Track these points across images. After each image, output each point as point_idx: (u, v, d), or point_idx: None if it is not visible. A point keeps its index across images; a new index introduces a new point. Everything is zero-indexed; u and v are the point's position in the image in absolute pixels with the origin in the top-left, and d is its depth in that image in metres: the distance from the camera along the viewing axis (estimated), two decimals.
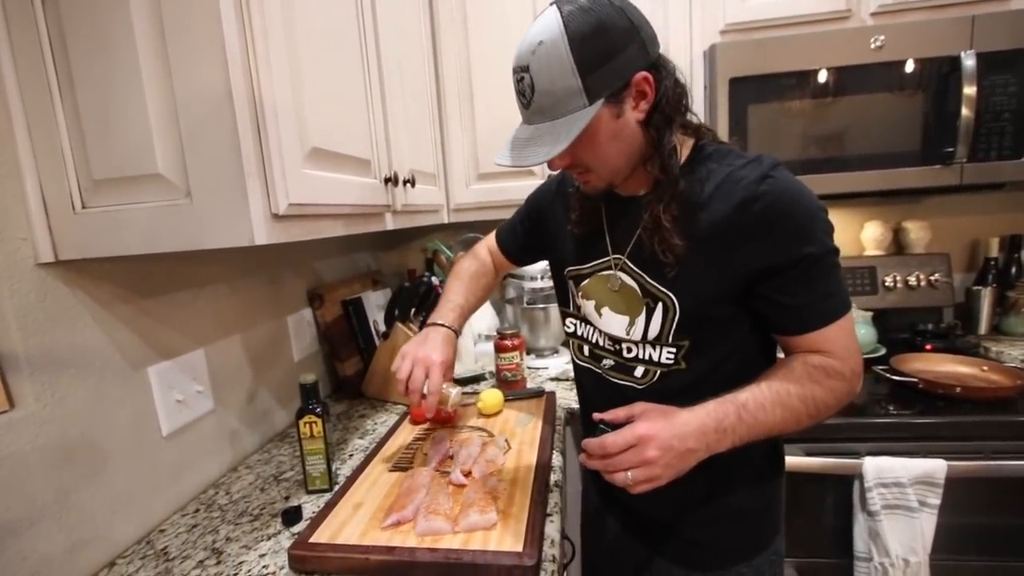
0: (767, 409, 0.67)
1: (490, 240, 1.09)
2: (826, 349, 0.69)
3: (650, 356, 0.78)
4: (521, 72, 0.68)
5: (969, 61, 1.24)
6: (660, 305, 0.75)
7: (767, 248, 0.67)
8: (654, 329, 0.76)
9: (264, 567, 0.74)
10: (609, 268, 0.80)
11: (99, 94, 0.64)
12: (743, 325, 0.73)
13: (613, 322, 0.80)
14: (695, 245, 0.69)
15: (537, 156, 0.70)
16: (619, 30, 0.65)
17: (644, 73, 0.66)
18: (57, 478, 0.71)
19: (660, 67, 0.69)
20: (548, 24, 0.64)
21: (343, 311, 1.46)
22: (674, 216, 0.71)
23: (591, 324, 0.85)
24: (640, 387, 0.79)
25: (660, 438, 0.63)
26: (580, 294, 0.85)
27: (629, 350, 0.79)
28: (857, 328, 1.46)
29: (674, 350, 0.75)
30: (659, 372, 0.77)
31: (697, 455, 0.65)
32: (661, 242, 0.72)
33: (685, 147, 0.74)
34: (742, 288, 0.70)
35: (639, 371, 0.79)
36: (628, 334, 0.78)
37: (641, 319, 0.77)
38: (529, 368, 1.53)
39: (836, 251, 0.68)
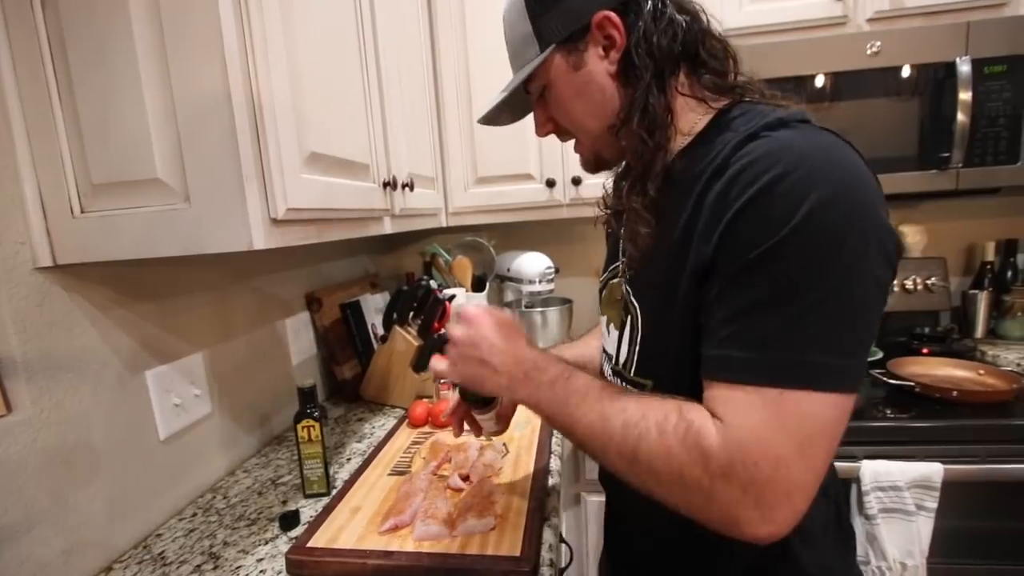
0: (586, 402, 0.52)
1: None
2: (720, 413, 0.45)
3: (612, 368, 0.66)
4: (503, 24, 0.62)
5: (964, 67, 1.25)
6: (629, 320, 0.60)
7: (715, 237, 0.47)
8: (623, 353, 0.62)
9: (261, 572, 0.74)
10: (617, 275, 0.67)
11: (98, 98, 0.64)
12: None
13: (611, 342, 0.67)
14: (668, 242, 0.53)
15: (487, 114, 0.67)
16: None
17: (607, 13, 0.54)
18: (54, 482, 0.71)
19: (641, 5, 0.54)
20: None
21: (341, 315, 1.46)
22: (651, 198, 0.56)
23: (605, 344, 0.71)
24: None
25: (474, 332, 0.59)
26: (600, 309, 0.73)
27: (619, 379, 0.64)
28: None
29: (638, 390, 0.58)
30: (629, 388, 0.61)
31: (494, 375, 0.58)
32: (628, 231, 0.59)
33: (700, 113, 0.56)
34: (701, 300, 0.49)
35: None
36: (613, 358, 0.66)
37: (621, 338, 0.63)
38: None
39: (841, 280, 0.42)
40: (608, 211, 0.71)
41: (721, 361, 0.46)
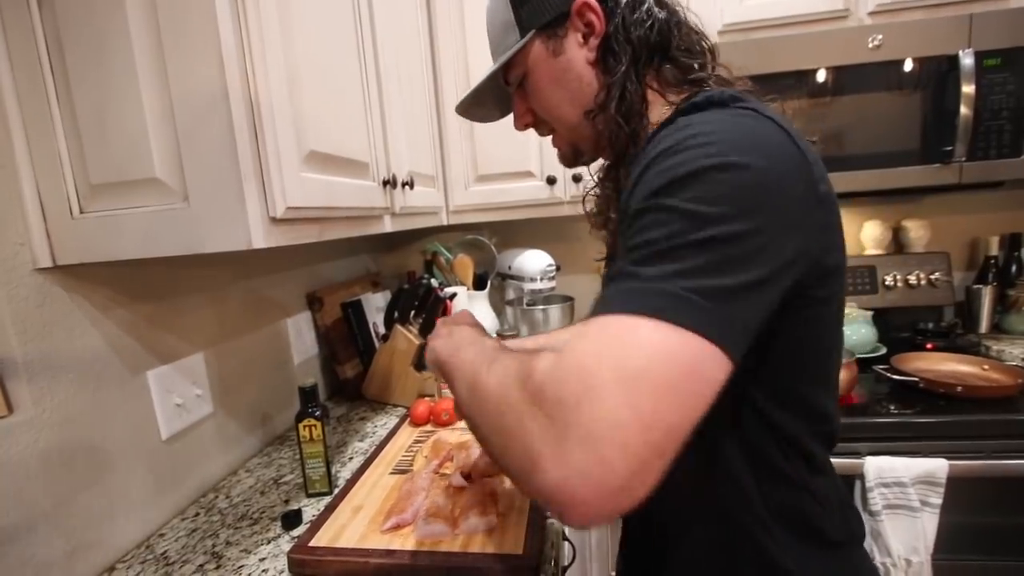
0: (477, 347, 0.51)
1: None
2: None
3: None
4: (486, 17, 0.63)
5: (967, 60, 1.24)
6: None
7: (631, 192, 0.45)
8: None
9: (264, 571, 0.74)
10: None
11: (96, 98, 0.64)
12: None
13: None
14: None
15: (463, 101, 0.68)
16: None
17: (586, 0, 0.54)
18: (56, 483, 0.71)
19: None
20: None
21: (342, 314, 1.46)
22: (622, 184, 0.55)
23: None
24: None
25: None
26: None
27: None
28: (857, 327, 1.46)
29: None
30: None
31: (460, 330, 0.58)
32: (602, 218, 0.59)
33: (667, 105, 0.56)
34: None
35: None
36: None
37: None
38: None
39: (685, 216, 0.38)
40: (594, 211, 0.69)
41: (603, 297, 0.41)
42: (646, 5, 0.55)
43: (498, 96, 0.67)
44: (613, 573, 1.00)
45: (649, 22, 0.54)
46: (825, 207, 0.45)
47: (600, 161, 0.66)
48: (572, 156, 0.66)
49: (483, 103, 0.69)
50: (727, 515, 0.52)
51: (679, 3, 0.59)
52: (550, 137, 0.69)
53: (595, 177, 0.68)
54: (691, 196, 0.39)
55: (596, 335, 0.37)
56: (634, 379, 0.34)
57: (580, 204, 0.72)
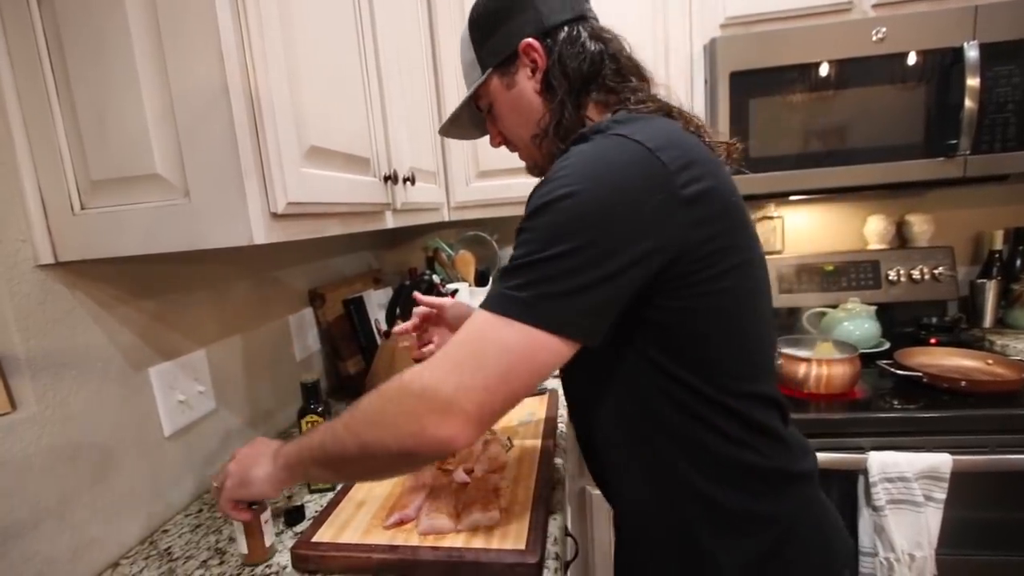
0: (320, 428, 0.61)
1: None
2: None
3: None
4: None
5: (972, 52, 1.23)
6: None
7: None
8: None
9: (267, 566, 0.74)
10: None
11: (96, 94, 0.63)
12: None
13: None
14: None
15: (442, 127, 0.82)
16: (508, 2, 0.67)
17: (530, 40, 0.65)
18: (60, 479, 0.71)
19: (558, 34, 0.64)
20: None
21: (344, 310, 1.46)
22: None
23: None
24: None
25: (238, 454, 0.70)
26: None
27: None
28: (861, 322, 1.45)
29: None
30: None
31: (259, 459, 0.67)
32: None
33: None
34: None
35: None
36: None
37: None
38: None
39: (536, 250, 0.50)
40: None
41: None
42: (581, 40, 0.64)
43: (474, 118, 0.78)
44: None
45: (583, 56, 0.64)
46: (700, 205, 0.53)
47: None
48: (535, 170, 0.76)
49: (461, 124, 0.81)
50: (673, 467, 0.60)
51: (617, 38, 0.68)
52: None
53: None
54: (541, 223, 0.52)
55: (462, 332, 0.52)
56: (484, 360, 0.51)
57: None
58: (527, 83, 0.67)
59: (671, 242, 0.52)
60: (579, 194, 0.51)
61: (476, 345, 0.51)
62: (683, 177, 0.52)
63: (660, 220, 0.51)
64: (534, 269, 0.50)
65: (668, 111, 0.64)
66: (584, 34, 0.65)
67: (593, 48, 0.64)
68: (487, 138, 0.79)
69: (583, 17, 0.67)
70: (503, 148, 0.78)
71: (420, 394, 0.51)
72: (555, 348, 0.51)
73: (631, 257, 0.50)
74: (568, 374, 0.69)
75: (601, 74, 0.65)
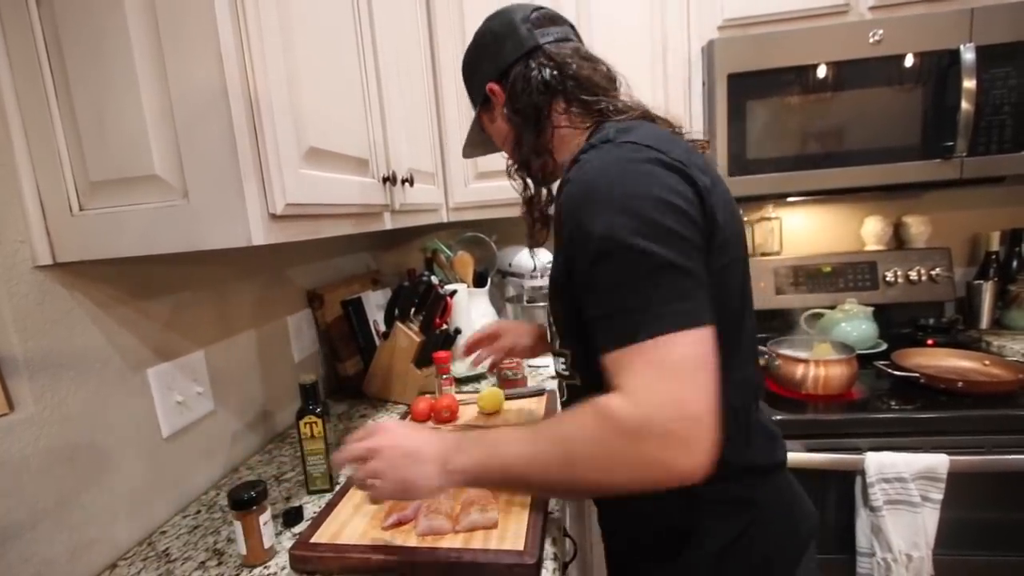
0: (513, 436, 0.59)
1: None
2: (617, 384, 0.52)
3: (555, 368, 0.75)
4: None
5: (968, 54, 1.24)
6: (551, 307, 0.73)
7: (565, 239, 0.59)
8: (553, 330, 0.73)
9: (265, 567, 0.74)
10: None
11: (95, 95, 0.63)
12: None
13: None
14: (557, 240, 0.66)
15: (463, 151, 0.97)
16: (480, 50, 0.79)
17: (491, 84, 0.77)
18: (58, 480, 0.71)
19: (511, 72, 0.74)
20: None
21: (343, 311, 1.46)
22: (548, 215, 0.81)
23: None
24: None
25: (390, 435, 0.64)
26: None
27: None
28: (858, 323, 1.46)
29: (563, 359, 0.71)
30: (566, 388, 0.73)
31: (423, 465, 0.61)
32: (541, 236, 0.83)
33: (579, 137, 0.71)
34: (569, 290, 0.60)
35: (562, 388, 0.75)
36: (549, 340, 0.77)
37: (550, 320, 0.74)
38: (529, 367, 1.52)
39: (639, 248, 0.52)
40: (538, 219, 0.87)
41: (602, 340, 0.54)
42: (531, 72, 0.72)
43: (488, 139, 0.89)
44: None
45: (533, 85, 0.72)
46: (712, 194, 0.57)
47: None
48: (539, 182, 0.84)
49: (482, 144, 0.93)
50: None
51: (574, 53, 0.73)
52: None
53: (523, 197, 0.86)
54: (612, 250, 0.54)
55: (651, 363, 0.51)
56: (693, 376, 0.50)
57: None
58: (502, 117, 0.78)
59: (703, 223, 0.56)
60: (625, 208, 0.53)
61: (664, 370, 0.50)
62: (693, 172, 0.57)
63: (688, 201, 0.55)
64: (648, 282, 0.52)
65: (650, 116, 0.70)
66: (534, 65, 0.72)
67: (546, 75, 0.72)
68: None
69: (536, 48, 0.73)
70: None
71: (646, 437, 0.49)
72: (707, 335, 0.52)
73: (697, 239, 0.55)
74: (580, 372, 0.69)
75: (563, 93, 0.72)
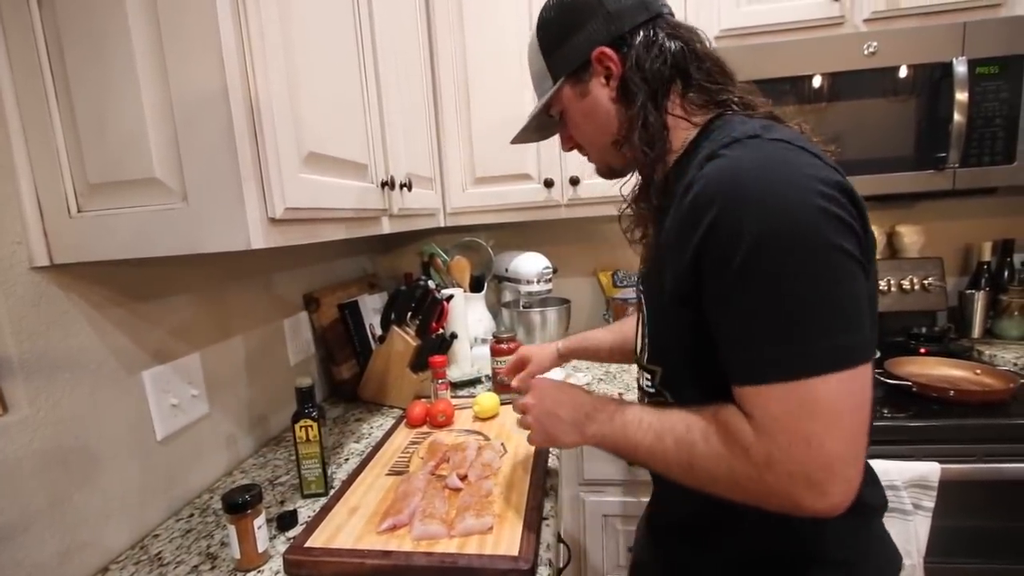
0: (641, 427, 0.60)
1: None
2: (748, 412, 0.50)
3: (640, 383, 0.71)
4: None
5: (961, 67, 1.26)
6: (642, 314, 0.68)
7: (695, 243, 0.51)
8: (639, 343, 0.70)
9: (259, 571, 0.74)
10: None
11: (95, 97, 0.64)
12: (711, 359, 0.54)
13: (638, 333, 0.72)
14: (662, 246, 0.60)
15: (517, 136, 0.82)
16: (578, 9, 0.64)
17: (603, 48, 0.63)
18: (51, 483, 0.70)
19: (633, 38, 0.62)
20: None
21: (339, 315, 1.46)
22: (652, 205, 0.64)
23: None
24: None
25: (540, 394, 0.73)
26: None
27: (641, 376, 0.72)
28: None
29: (650, 376, 0.67)
30: (647, 403, 0.68)
31: (563, 424, 0.68)
32: (638, 233, 0.70)
33: (690, 129, 0.62)
34: (690, 302, 0.55)
35: (645, 401, 0.71)
36: (636, 348, 0.73)
37: (638, 329, 0.71)
38: None
39: (799, 260, 0.46)
40: (631, 227, 0.75)
41: (739, 366, 0.51)
42: (659, 41, 0.61)
43: (540, 123, 0.78)
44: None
45: (662, 58, 0.61)
46: (856, 203, 0.52)
47: (630, 180, 0.73)
48: (608, 173, 0.74)
49: (531, 129, 0.80)
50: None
51: (695, 31, 0.64)
52: (550, 141, 0.83)
53: (626, 198, 0.74)
54: (772, 262, 0.48)
55: (794, 401, 0.47)
56: (837, 419, 0.47)
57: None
58: (602, 91, 0.65)
59: (862, 236, 0.51)
60: (777, 220, 0.47)
61: (805, 410, 0.47)
62: (847, 180, 0.52)
63: (851, 213, 0.50)
64: (808, 312, 0.47)
65: (778, 118, 0.61)
66: (661, 34, 0.62)
67: (673, 47, 0.61)
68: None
69: (659, 15, 0.63)
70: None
71: (774, 470, 0.48)
72: (865, 372, 0.48)
73: (857, 254, 0.49)
74: (671, 391, 0.65)
75: (686, 73, 0.62)
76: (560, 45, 0.67)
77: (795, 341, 0.47)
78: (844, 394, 0.46)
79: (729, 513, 0.57)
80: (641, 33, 0.62)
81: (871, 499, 0.64)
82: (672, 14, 0.66)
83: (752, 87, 0.65)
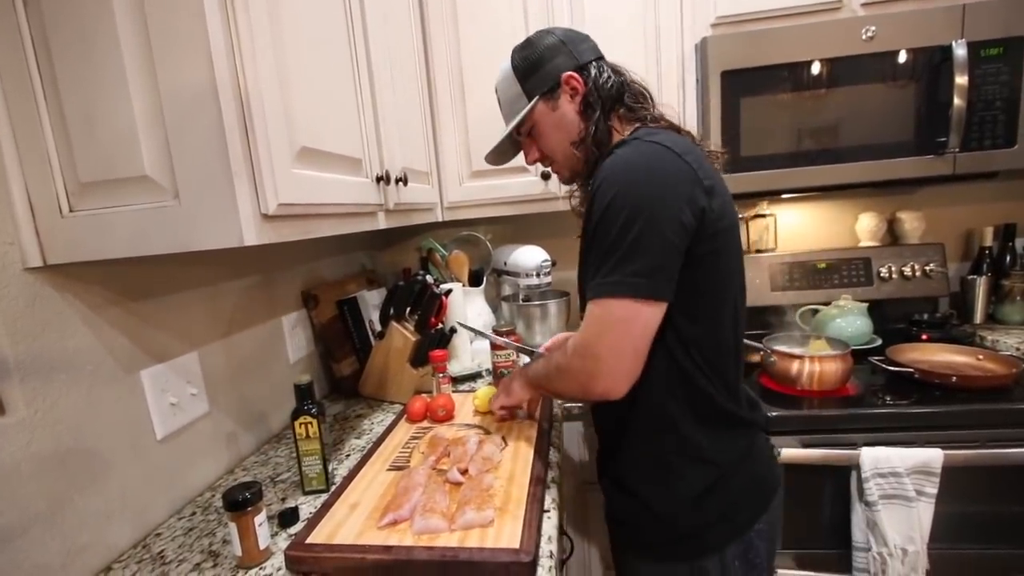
0: (543, 362, 0.90)
1: None
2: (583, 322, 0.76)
3: None
4: (495, 93, 0.97)
5: (960, 50, 1.24)
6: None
7: (590, 216, 0.77)
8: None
9: (261, 568, 0.74)
10: None
11: (84, 96, 0.63)
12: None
13: None
14: (583, 227, 0.81)
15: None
16: (548, 46, 0.88)
17: (571, 72, 0.86)
18: (51, 484, 0.70)
19: (590, 69, 0.86)
20: (508, 56, 0.93)
21: (338, 311, 1.46)
22: (583, 199, 0.90)
23: None
24: None
25: (502, 383, 1.07)
26: None
27: None
28: (853, 319, 1.46)
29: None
30: None
31: (512, 382, 1.03)
32: (580, 210, 0.90)
33: (623, 136, 0.85)
34: None
35: None
36: None
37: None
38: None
39: (630, 221, 0.69)
40: (579, 208, 0.96)
41: (588, 290, 0.76)
42: (606, 74, 0.87)
43: (505, 146, 1.01)
44: None
45: (610, 83, 0.86)
46: (713, 194, 0.74)
47: None
48: (569, 177, 0.96)
49: (502, 151, 1.03)
50: (658, 406, 0.80)
51: (623, 68, 0.90)
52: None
53: (572, 191, 1.01)
54: (612, 215, 0.72)
55: (594, 314, 0.74)
56: (609, 331, 0.73)
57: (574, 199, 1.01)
58: (569, 105, 0.87)
59: (698, 209, 0.72)
60: (636, 184, 0.72)
61: (601, 326, 0.73)
62: (701, 173, 0.73)
63: (693, 197, 0.72)
64: (618, 254, 0.70)
65: (676, 127, 0.86)
66: (607, 69, 0.88)
67: (615, 78, 0.87)
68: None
69: (601, 57, 0.89)
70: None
71: (584, 358, 0.75)
72: (652, 310, 0.72)
73: (680, 223, 0.70)
74: None
75: (623, 96, 0.87)
76: (536, 72, 0.88)
77: (605, 275, 0.72)
78: (619, 315, 0.71)
79: (636, 427, 0.83)
80: (594, 65, 0.87)
81: (748, 416, 0.84)
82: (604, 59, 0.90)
83: (660, 111, 0.89)
